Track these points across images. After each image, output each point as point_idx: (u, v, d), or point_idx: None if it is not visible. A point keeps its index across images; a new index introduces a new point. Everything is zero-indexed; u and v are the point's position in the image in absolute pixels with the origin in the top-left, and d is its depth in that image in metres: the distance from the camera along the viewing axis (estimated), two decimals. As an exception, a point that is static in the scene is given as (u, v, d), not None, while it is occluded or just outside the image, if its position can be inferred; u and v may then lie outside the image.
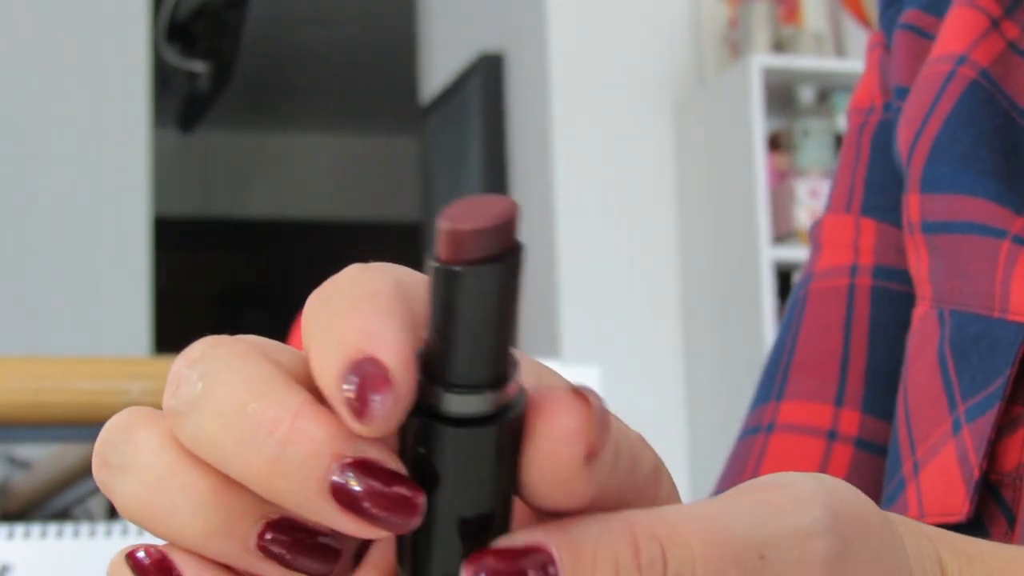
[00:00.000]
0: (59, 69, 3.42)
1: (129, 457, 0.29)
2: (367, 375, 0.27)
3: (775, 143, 3.15)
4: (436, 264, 0.28)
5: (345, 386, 0.27)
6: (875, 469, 0.55)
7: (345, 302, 0.28)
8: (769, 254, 2.89)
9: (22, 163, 3.36)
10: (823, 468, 0.54)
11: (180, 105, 4.78)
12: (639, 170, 3.20)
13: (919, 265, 0.52)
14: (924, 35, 0.57)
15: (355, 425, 0.27)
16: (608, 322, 3.12)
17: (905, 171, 0.53)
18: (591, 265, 3.09)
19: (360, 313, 0.28)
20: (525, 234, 0.33)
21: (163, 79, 4.18)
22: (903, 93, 0.57)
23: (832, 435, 0.56)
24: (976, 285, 0.48)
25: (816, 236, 0.61)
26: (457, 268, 0.28)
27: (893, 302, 0.57)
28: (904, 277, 0.56)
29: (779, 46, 3.19)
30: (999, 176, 0.48)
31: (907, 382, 0.52)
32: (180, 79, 4.49)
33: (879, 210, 0.58)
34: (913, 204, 0.52)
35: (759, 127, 2.99)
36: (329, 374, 0.27)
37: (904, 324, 0.56)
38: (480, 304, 0.28)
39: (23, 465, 1.66)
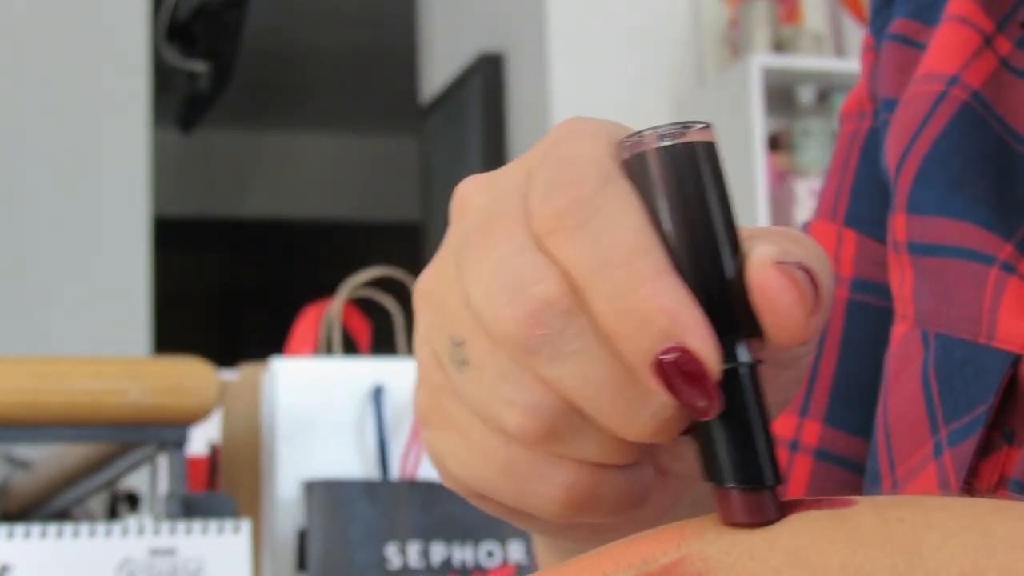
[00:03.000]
0: (59, 69, 3.42)
1: None
2: (685, 373, 0.30)
3: (775, 143, 3.15)
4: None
5: (660, 373, 0.30)
6: (834, 480, 0.55)
7: (623, 249, 0.31)
8: (769, 254, 2.89)
9: (22, 163, 3.36)
10: (786, 477, 0.55)
11: (180, 105, 4.78)
12: (639, 170, 3.19)
13: (903, 284, 0.52)
14: (912, 44, 0.57)
15: (665, 397, 0.31)
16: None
17: (892, 189, 0.53)
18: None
19: (653, 280, 0.31)
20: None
21: (163, 79, 4.18)
22: (891, 105, 0.57)
23: (794, 445, 0.56)
24: (962, 310, 0.48)
25: None
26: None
27: (868, 316, 0.57)
28: (882, 291, 0.56)
29: (779, 46, 3.19)
30: (989, 202, 0.48)
31: (887, 400, 0.51)
32: (180, 79, 4.49)
33: (861, 222, 0.58)
34: (899, 224, 0.52)
35: (759, 127, 2.99)
36: (635, 350, 0.31)
37: (878, 339, 0.56)
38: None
39: (23, 465, 1.66)
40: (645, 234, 0.31)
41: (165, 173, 4.54)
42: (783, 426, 0.57)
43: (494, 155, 3.47)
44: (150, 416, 1.25)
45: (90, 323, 3.32)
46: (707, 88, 3.22)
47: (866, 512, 0.30)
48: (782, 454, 0.56)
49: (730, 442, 0.31)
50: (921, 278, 0.50)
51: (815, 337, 0.34)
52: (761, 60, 3.05)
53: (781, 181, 3.09)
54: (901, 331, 0.52)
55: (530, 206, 0.33)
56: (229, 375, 1.55)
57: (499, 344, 0.33)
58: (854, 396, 0.57)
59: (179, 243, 5.21)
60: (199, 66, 4.37)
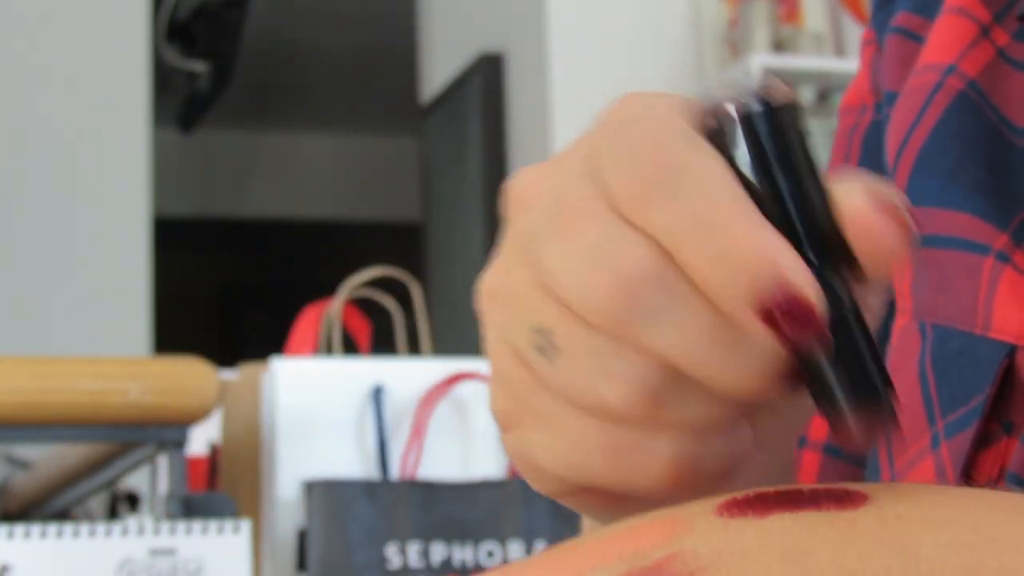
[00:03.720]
0: (59, 69, 3.42)
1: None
2: (788, 311, 0.31)
3: (775, 143, 3.15)
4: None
5: (767, 319, 0.31)
6: (842, 475, 0.55)
7: (716, 207, 0.31)
8: (769, 254, 2.89)
9: (22, 163, 3.36)
10: (796, 474, 0.55)
11: (180, 105, 4.79)
12: (639, 170, 3.20)
13: (902, 278, 0.52)
14: (914, 38, 0.57)
15: (770, 341, 0.31)
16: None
17: (890, 181, 0.53)
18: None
19: (748, 229, 0.31)
20: (524, 234, 0.34)
21: (163, 79, 4.18)
22: (893, 99, 0.57)
23: (802, 442, 0.56)
24: (959, 301, 0.48)
25: None
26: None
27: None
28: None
29: (779, 46, 3.19)
30: (985, 191, 0.48)
31: None
32: (180, 79, 4.49)
33: None
34: None
35: (759, 127, 2.99)
36: (735, 296, 0.31)
37: (881, 333, 0.56)
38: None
39: (23, 465, 1.66)
40: (736, 191, 0.32)
41: (165, 173, 4.54)
42: None
43: (494, 155, 3.47)
44: (150, 416, 1.25)
45: (90, 323, 3.32)
46: (707, 88, 3.22)
47: (865, 509, 0.30)
48: None
49: (842, 370, 0.32)
50: (920, 270, 0.51)
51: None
52: (761, 60, 3.05)
53: (781, 181, 3.09)
54: (900, 325, 0.52)
55: (610, 183, 0.33)
56: (229, 375, 1.55)
57: (593, 323, 0.33)
58: None
59: (179, 243, 5.21)
60: (199, 66, 4.37)
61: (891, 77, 0.57)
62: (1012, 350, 0.45)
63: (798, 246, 0.32)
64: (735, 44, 3.25)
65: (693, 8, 3.32)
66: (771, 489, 0.32)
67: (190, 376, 1.27)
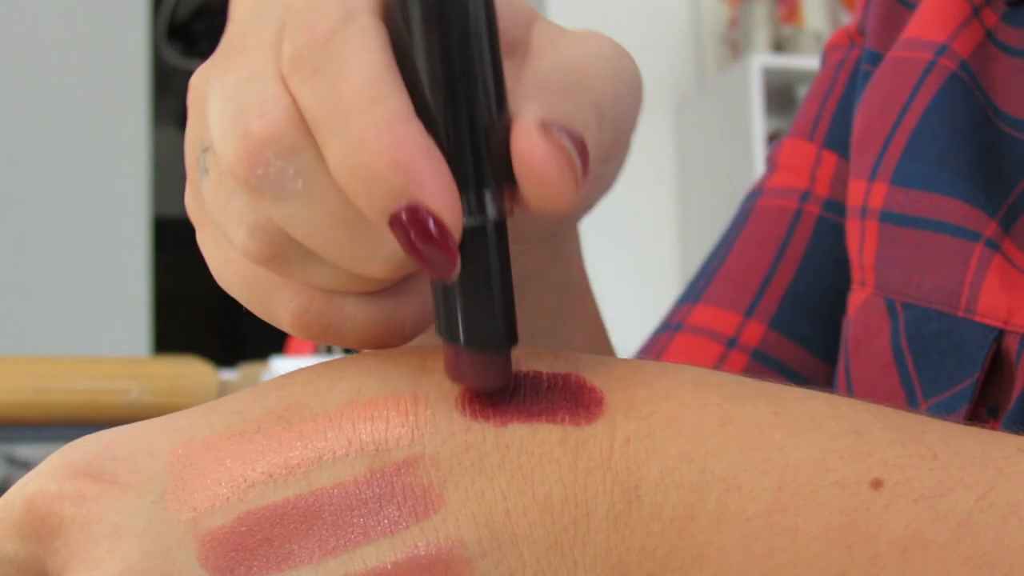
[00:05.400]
0: (59, 69, 3.42)
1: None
2: (421, 231, 0.28)
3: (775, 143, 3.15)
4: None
5: (396, 228, 0.28)
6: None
7: (356, 96, 0.29)
8: (769, 254, 2.89)
9: (22, 163, 3.36)
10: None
11: (180, 105, 4.79)
12: (639, 169, 3.20)
13: (862, 250, 0.52)
14: (903, 3, 0.57)
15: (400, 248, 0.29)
16: (608, 322, 3.12)
17: (876, 159, 0.53)
18: (591, 264, 3.08)
19: (388, 129, 0.28)
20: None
21: (163, 79, 4.18)
22: (873, 58, 0.57)
23: (732, 342, 0.57)
24: (939, 282, 0.48)
25: (774, 156, 0.62)
26: None
27: (837, 236, 0.57)
28: None
29: (779, 46, 3.19)
30: (975, 177, 0.48)
31: (850, 368, 0.52)
32: (180, 79, 4.49)
33: (843, 147, 0.58)
34: (878, 192, 0.52)
35: (759, 127, 2.99)
36: (368, 206, 0.29)
37: (842, 260, 0.56)
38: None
39: (23, 465, 1.66)
40: (383, 79, 0.29)
41: (165, 173, 4.54)
42: (722, 323, 0.57)
43: (494, 155, 3.47)
44: (150, 416, 1.25)
45: (90, 323, 3.32)
46: (707, 88, 3.21)
47: (597, 425, 0.30)
48: (714, 348, 0.57)
49: (467, 302, 0.30)
50: (889, 247, 0.50)
51: (580, 210, 0.33)
52: (761, 60, 3.05)
53: (781, 181, 3.09)
54: (860, 298, 0.52)
55: (284, 35, 0.31)
56: (229, 375, 1.55)
57: (224, 166, 0.31)
58: (807, 307, 0.57)
59: (179, 243, 5.21)
60: (199, 66, 4.37)
61: (873, 35, 0.57)
62: (999, 335, 0.45)
63: (457, 149, 0.29)
64: (735, 44, 3.24)
65: (693, 8, 3.32)
66: (518, 375, 0.31)
67: (190, 376, 1.27)
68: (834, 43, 0.61)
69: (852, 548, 0.28)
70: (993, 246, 0.46)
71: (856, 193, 0.53)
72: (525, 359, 0.32)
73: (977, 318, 0.46)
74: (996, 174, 0.48)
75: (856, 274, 0.53)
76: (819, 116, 0.60)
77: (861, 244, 0.52)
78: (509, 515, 0.29)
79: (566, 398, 0.31)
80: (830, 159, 0.59)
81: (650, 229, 3.20)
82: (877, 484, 0.28)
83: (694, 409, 0.30)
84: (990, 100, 0.50)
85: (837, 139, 0.59)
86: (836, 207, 0.58)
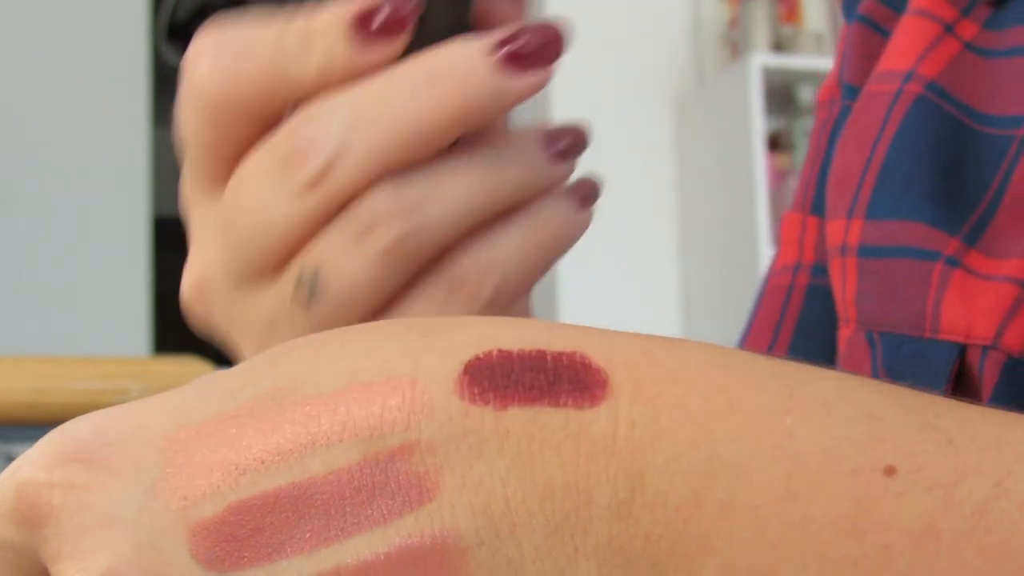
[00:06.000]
0: (59, 69, 3.42)
1: None
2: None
3: (775, 143, 3.15)
4: None
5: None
6: None
7: None
8: (769, 253, 2.89)
9: (22, 163, 3.36)
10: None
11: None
12: (639, 169, 3.20)
13: (844, 288, 0.52)
14: (878, 30, 0.56)
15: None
16: (607, 321, 3.11)
17: (853, 197, 0.53)
18: (590, 264, 3.09)
19: None
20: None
21: (163, 79, 4.18)
22: (853, 92, 0.57)
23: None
24: (908, 307, 0.48)
25: (778, 234, 0.62)
26: None
27: (824, 298, 0.57)
28: None
29: (779, 46, 3.19)
30: (937, 197, 0.48)
31: None
32: (180, 79, 4.49)
33: (824, 208, 0.59)
34: (855, 229, 0.52)
35: (759, 127, 2.99)
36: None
37: (833, 323, 0.56)
38: None
39: (23, 465, 1.65)
40: None
41: (165, 173, 4.54)
42: None
43: (494, 155, 3.47)
44: (150, 416, 1.25)
45: (90, 323, 3.32)
46: (707, 88, 3.21)
47: (602, 408, 0.29)
48: None
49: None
50: (865, 280, 0.50)
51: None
52: (761, 60, 3.05)
53: (781, 181, 3.08)
54: (846, 335, 0.52)
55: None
56: (229, 375, 1.55)
57: None
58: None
59: (179, 243, 5.20)
60: (199, 66, 4.37)
61: (853, 70, 0.57)
62: (962, 350, 0.45)
63: None
64: (735, 44, 3.25)
65: (693, 8, 3.32)
66: (515, 353, 0.30)
67: (190, 376, 1.27)
68: (820, 100, 0.61)
69: (864, 538, 0.28)
70: (953, 263, 0.46)
71: (835, 233, 0.53)
72: (526, 332, 0.31)
73: (941, 336, 0.46)
74: (962, 186, 0.48)
75: (841, 312, 0.53)
76: (808, 183, 0.60)
77: (843, 282, 0.52)
78: (508, 502, 0.29)
79: (569, 379, 0.30)
80: (813, 223, 0.59)
81: (649, 228, 3.20)
82: (890, 471, 0.28)
83: (702, 392, 0.30)
84: (969, 108, 0.50)
85: (820, 202, 0.59)
86: (822, 269, 0.58)
